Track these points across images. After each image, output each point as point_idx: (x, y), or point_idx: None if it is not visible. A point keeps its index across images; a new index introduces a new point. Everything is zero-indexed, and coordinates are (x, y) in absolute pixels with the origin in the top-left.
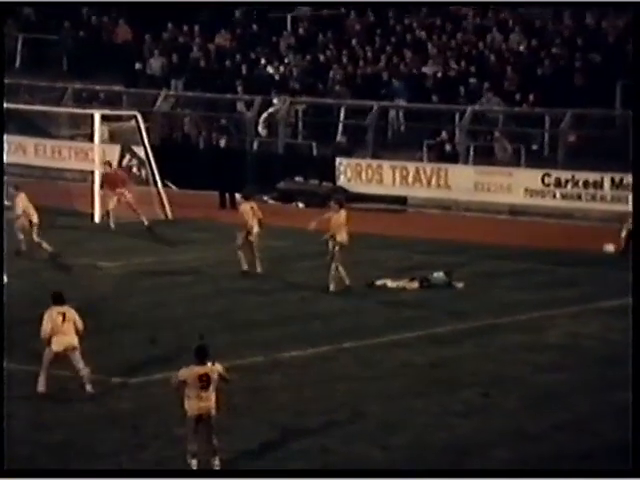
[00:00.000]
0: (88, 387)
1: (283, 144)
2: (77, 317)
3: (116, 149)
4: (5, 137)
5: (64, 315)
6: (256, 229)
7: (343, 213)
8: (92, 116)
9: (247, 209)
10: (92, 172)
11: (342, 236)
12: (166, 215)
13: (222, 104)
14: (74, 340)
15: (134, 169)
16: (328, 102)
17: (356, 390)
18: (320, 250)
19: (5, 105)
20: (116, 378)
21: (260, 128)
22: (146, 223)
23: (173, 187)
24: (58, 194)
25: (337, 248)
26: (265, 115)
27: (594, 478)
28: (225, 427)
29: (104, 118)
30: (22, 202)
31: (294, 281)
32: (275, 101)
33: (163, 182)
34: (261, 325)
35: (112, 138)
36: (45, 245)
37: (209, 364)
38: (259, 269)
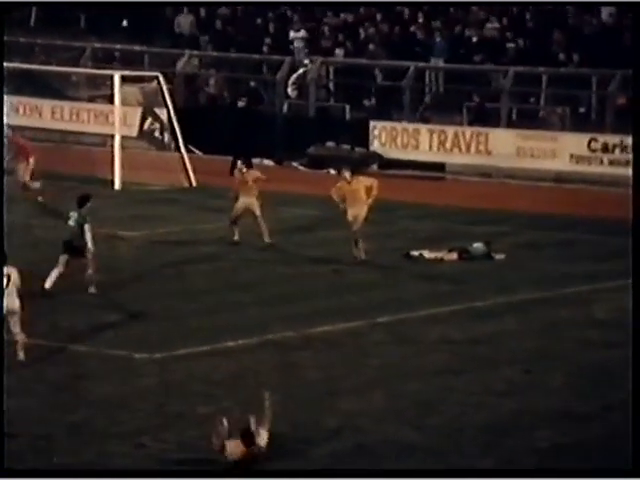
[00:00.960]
0: (21, 355)
1: (314, 107)
2: (19, 281)
3: (137, 112)
4: (20, 99)
5: (9, 277)
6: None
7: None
8: (112, 77)
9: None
10: (112, 136)
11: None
12: (190, 182)
13: (250, 65)
14: (15, 304)
15: (156, 133)
16: (362, 62)
17: (391, 367)
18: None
19: (20, 65)
20: (139, 354)
21: (289, 90)
22: (40, 200)
23: (197, 152)
24: (76, 160)
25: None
26: (295, 76)
27: (594, 478)
28: (253, 405)
29: (125, 79)
30: None
31: (325, 252)
32: (306, 61)
33: (187, 147)
34: (290, 298)
35: (133, 100)
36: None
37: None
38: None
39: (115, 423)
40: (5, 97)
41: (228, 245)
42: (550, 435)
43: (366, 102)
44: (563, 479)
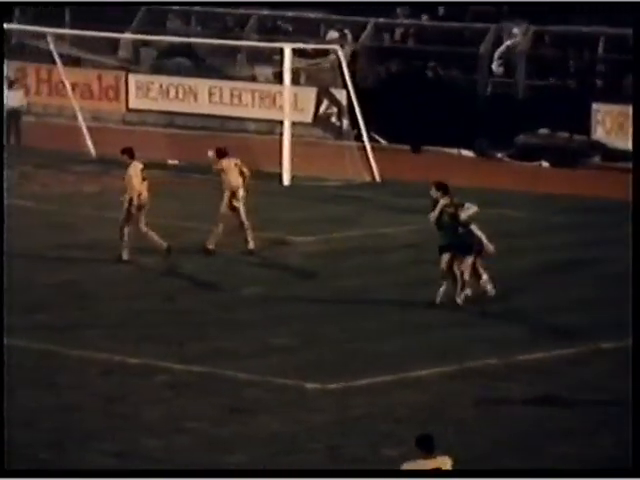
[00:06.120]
0: None
1: (523, 86)
2: None
3: (311, 93)
4: (172, 80)
5: None
6: (242, 192)
7: (139, 166)
8: (281, 50)
9: (230, 165)
10: (281, 122)
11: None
12: (373, 176)
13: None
14: None
15: (333, 118)
16: (583, 30)
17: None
18: (573, 221)
19: (171, 39)
20: (311, 384)
21: (495, 66)
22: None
23: (382, 141)
24: (237, 150)
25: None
26: (502, 49)
27: (594, 478)
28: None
29: (296, 53)
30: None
31: (535, 261)
32: (515, 30)
33: (369, 135)
34: (492, 318)
35: (306, 79)
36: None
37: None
38: (251, 245)
39: (282, 466)
40: (151, 78)
41: (416, 251)
42: None
43: (588, 81)
44: (564, 479)
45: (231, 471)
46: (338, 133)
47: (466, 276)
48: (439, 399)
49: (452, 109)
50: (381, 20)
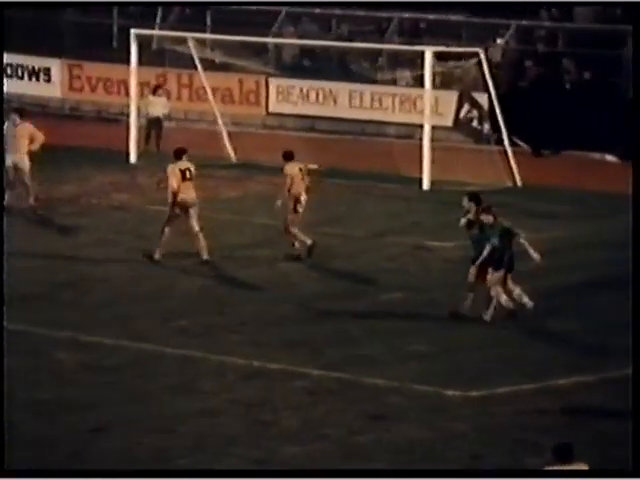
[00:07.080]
0: None
1: None
2: None
3: (452, 97)
4: (311, 84)
5: None
6: (304, 197)
7: (182, 165)
8: (422, 54)
9: (294, 170)
10: (421, 126)
11: (190, 194)
12: (514, 181)
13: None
14: None
15: (474, 122)
16: None
17: None
18: None
19: (312, 42)
20: (451, 391)
21: None
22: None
23: (523, 145)
24: (377, 155)
25: (177, 210)
26: None
27: (594, 478)
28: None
29: (438, 57)
30: None
31: None
32: None
33: (510, 139)
34: None
35: (447, 83)
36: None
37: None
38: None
39: (421, 474)
40: (291, 81)
41: (551, 259)
42: None
43: None
44: (564, 479)
45: (237, 471)
46: (479, 137)
47: (492, 292)
48: (579, 408)
49: (595, 113)
50: (523, 23)
